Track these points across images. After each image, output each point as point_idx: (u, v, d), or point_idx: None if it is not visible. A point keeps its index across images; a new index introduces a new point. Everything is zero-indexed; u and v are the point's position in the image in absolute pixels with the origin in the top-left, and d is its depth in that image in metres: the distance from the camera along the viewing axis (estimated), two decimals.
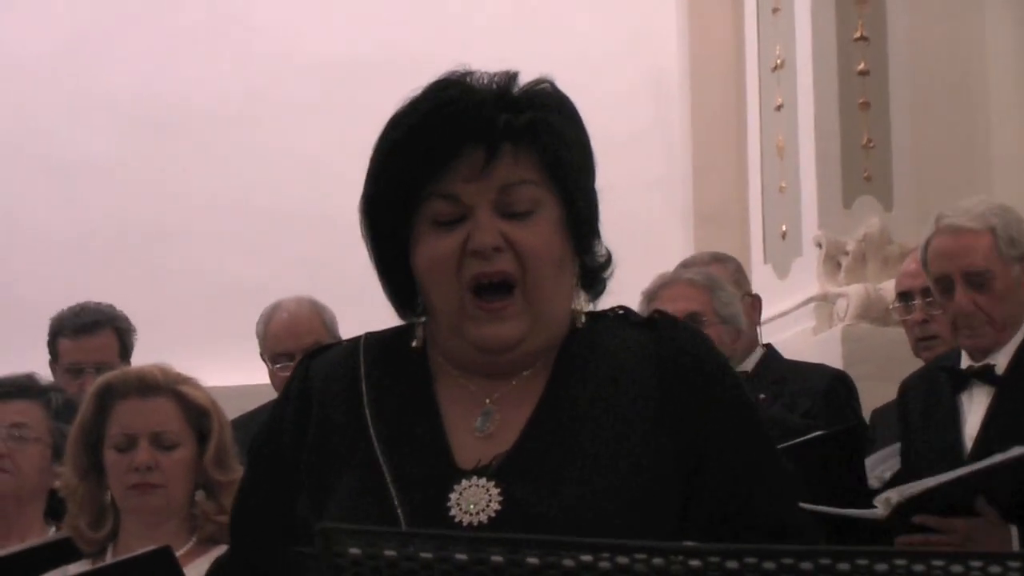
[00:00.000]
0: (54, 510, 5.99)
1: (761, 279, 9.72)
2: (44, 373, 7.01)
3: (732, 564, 1.98)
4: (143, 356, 6.99)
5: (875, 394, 7.08)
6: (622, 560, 2.03)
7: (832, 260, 9.12)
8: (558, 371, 3.01)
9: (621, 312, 3.12)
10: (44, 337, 7.96)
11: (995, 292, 5.98)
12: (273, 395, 6.64)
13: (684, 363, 2.99)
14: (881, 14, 9.42)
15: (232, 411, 5.84)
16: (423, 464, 2.89)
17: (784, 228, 9.79)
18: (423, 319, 3.11)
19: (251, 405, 7.19)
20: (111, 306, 7.94)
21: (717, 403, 2.99)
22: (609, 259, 3.07)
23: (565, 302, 3.01)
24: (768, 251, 10.05)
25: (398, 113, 3.04)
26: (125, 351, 7.72)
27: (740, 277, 7.65)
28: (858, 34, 9.39)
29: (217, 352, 8.56)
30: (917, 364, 6.64)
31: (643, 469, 2.88)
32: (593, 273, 3.01)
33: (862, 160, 9.30)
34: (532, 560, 2.04)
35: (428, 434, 2.93)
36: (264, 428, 3.25)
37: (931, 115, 9.40)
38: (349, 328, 5.78)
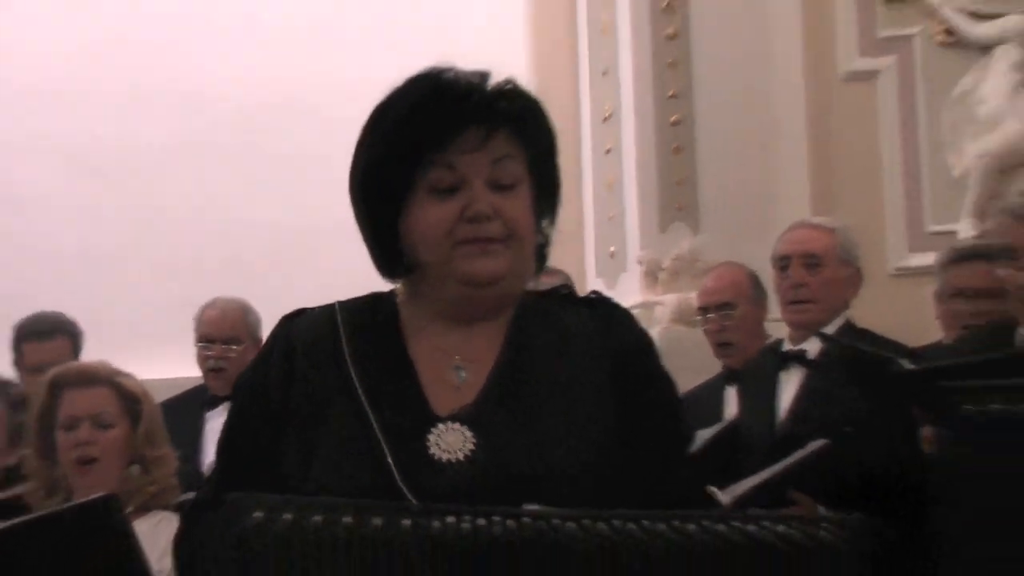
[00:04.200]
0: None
1: (594, 290, 10.30)
2: (8, 372, 7.72)
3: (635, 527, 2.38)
4: (92, 355, 7.06)
5: (686, 381, 6.68)
6: (511, 523, 2.40)
7: (651, 275, 9.63)
8: (514, 332, 3.20)
9: (565, 291, 3.41)
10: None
11: (823, 278, 6.43)
12: (192, 384, 8.04)
13: (627, 340, 3.22)
14: (688, 77, 9.93)
15: (161, 398, 5.95)
16: (404, 413, 3.05)
17: (612, 249, 10.34)
18: (403, 280, 3.30)
19: (177, 391, 7.87)
20: (63, 314, 8.26)
21: (651, 378, 3.23)
22: (549, 239, 3.32)
23: (530, 268, 3.21)
24: (600, 268, 10.65)
25: (395, 93, 3.22)
26: (76, 352, 7.93)
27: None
28: (671, 92, 9.92)
29: (150, 352, 8.47)
30: (717, 360, 7.35)
31: (594, 418, 3.06)
32: (541, 249, 3.25)
33: (675, 194, 9.83)
34: (405, 522, 2.37)
35: (406, 387, 3.10)
36: (248, 379, 3.35)
37: (730, 158, 9.77)
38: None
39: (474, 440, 2.96)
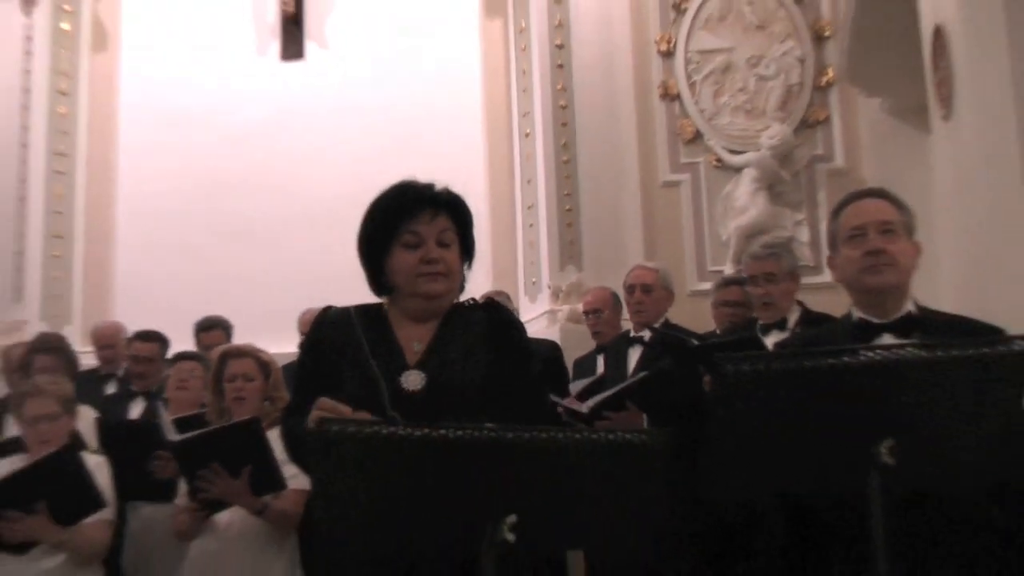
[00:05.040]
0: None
1: (523, 304, 10.26)
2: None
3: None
4: (241, 340, 7.14)
5: (575, 353, 7.74)
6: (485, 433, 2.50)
7: (555, 295, 9.79)
8: (445, 323, 3.46)
9: (473, 301, 3.58)
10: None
11: (653, 297, 6.87)
12: (289, 360, 6.90)
13: (502, 320, 3.49)
14: (576, 176, 10.09)
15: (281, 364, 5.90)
16: (390, 364, 3.31)
17: (535, 279, 10.38)
18: (387, 296, 3.51)
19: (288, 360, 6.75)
20: (221, 316, 8.57)
21: (512, 340, 3.46)
22: (466, 276, 3.54)
23: (456, 290, 3.50)
24: (526, 290, 10.60)
25: (387, 193, 3.46)
26: (228, 338, 8.24)
27: (509, 302, 8.02)
28: (567, 191, 10.10)
29: (275, 338, 7.84)
30: (593, 341, 7.58)
31: (482, 362, 3.34)
32: (462, 281, 3.51)
33: (568, 248, 10.01)
34: (443, 432, 2.48)
35: (391, 351, 3.36)
36: (305, 343, 3.62)
37: (599, 227, 10.07)
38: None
39: (424, 378, 3.31)
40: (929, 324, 3.50)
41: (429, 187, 3.44)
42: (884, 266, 3.47)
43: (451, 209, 3.45)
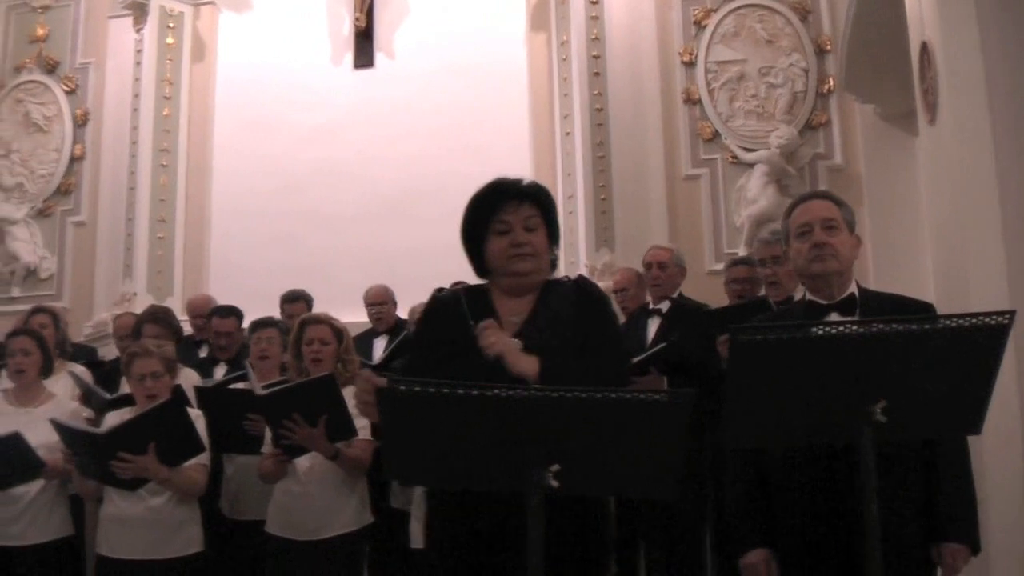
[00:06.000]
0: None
1: None
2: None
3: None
4: (320, 309, 6.96)
5: None
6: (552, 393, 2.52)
7: (591, 273, 9.38)
8: (539, 299, 3.41)
9: (567, 277, 3.51)
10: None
11: (667, 274, 6.90)
12: (365, 327, 8.17)
13: (590, 294, 3.43)
14: (609, 168, 10.03)
15: (353, 333, 6.10)
16: None
17: (572, 259, 9.93)
18: (488, 278, 3.51)
19: (359, 330, 7.81)
20: (303, 289, 8.42)
21: (600, 312, 3.40)
22: (556, 255, 3.54)
23: (546, 269, 3.45)
24: (567, 269, 9.43)
25: (482, 190, 3.47)
26: (309, 308, 8.04)
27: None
28: (601, 183, 10.01)
29: (349, 309, 8.05)
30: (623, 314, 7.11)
31: (568, 332, 3.28)
32: (553, 260, 3.50)
33: (602, 233, 9.87)
34: (497, 392, 2.51)
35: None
36: (419, 315, 3.66)
37: (628, 215, 9.98)
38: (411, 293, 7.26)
39: (519, 345, 3.24)
40: (869, 303, 3.61)
41: (516, 181, 3.45)
42: (828, 256, 3.57)
43: (536, 199, 3.44)
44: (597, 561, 3.27)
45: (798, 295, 5.48)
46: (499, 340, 3.19)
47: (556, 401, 2.52)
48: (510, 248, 3.37)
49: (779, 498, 3.50)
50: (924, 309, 3.57)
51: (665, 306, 6.90)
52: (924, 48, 6.13)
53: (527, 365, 3.16)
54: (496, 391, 2.50)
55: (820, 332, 2.69)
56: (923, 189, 6.92)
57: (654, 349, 6.28)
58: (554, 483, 2.53)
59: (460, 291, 3.48)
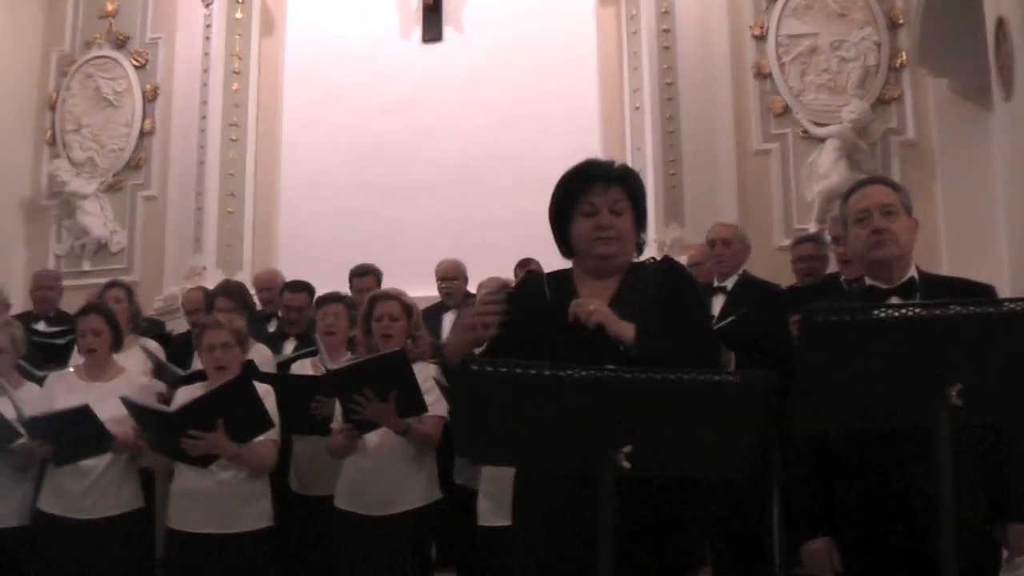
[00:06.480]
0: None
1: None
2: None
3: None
4: (389, 284, 7.44)
5: None
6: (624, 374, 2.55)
7: (660, 249, 9.28)
8: (624, 281, 3.39)
9: (652, 259, 3.50)
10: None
11: (732, 250, 6.93)
12: (427, 304, 7.55)
13: (673, 269, 3.43)
14: (679, 147, 10.12)
15: (422, 307, 6.04)
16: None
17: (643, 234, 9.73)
18: (573, 258, 3.49)
19: (427, 303, 7.55)
20: (372, 264, 8.31)
21: (683, 286, 3.39)
22: (643, 238, 3.50)
23: (631, 252, 3.44)
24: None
25: (571, 171, 3.47)
26: (379, 283, 7.99)
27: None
28: (672, 158, 10.14)
29: (420, 284, 8.32)
30: None
31: (652, 311, 3.25)
32: (640, 244, 3.47)
33: (671, 209, 9.98)
34: (571, 372, 2.52)
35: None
36: (516, 298, 3.45)
37: (697, 191, 10.04)
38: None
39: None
40: (929, 286, 3.59)
41: (606, 163, 3.46)
42: (888, 242, 3.57)
43: (625, 182, 3.43)
44: (689, 554, 3.30)
45: None
46: (599, 308, 3.20)
47: (630, 382, 2.53)
48: (595, 231, 3.37)
49: (841, 481, 3.49)
50: (984, 292, 3.53)
51: (730, 283, 6.91)
52: (1000, 24, 6.09)
53: (626, 329, 3.17)
54: (570, 372, 2.50)
55: (883, 315, 2.66)
56: (998, 166, 6.87)
57: (725, 321, 6.25)
58: (626, 464, 2.52)
59: (544, 275, 3.51)
